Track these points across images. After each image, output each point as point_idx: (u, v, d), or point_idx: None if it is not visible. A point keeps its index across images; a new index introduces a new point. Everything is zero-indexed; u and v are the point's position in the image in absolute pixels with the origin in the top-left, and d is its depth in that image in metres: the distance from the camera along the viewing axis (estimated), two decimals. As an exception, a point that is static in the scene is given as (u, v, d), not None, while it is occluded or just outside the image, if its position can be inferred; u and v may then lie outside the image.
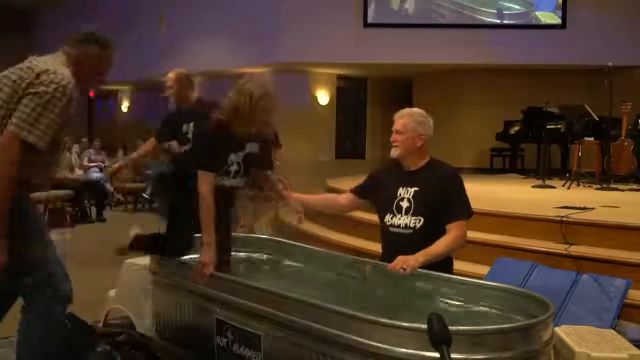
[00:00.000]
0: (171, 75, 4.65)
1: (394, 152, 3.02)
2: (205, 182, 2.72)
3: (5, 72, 2.37)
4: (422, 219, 2.90)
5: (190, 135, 4.29)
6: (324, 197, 3.25)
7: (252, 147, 2.88)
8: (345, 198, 3.35)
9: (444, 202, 2.89)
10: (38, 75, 2.28)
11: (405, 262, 2.67)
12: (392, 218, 3.00)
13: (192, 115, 4.38)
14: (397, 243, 2.92)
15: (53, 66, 2.34)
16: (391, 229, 2.99)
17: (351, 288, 2.84)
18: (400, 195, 2.99)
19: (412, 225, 2.92)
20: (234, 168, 2.85)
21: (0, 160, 2.20)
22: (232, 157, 2.83)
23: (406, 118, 3.01)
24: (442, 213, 2.90)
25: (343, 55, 10.41)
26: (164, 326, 2.96)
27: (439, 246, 2.81)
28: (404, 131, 2.98)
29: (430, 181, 2.95)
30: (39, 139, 2.23)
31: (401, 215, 2.96)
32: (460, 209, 2.93)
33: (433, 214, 2.89)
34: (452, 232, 2.86)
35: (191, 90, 4.63)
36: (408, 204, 2.95)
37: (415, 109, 3.10)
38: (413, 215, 2.93)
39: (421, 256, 2.74)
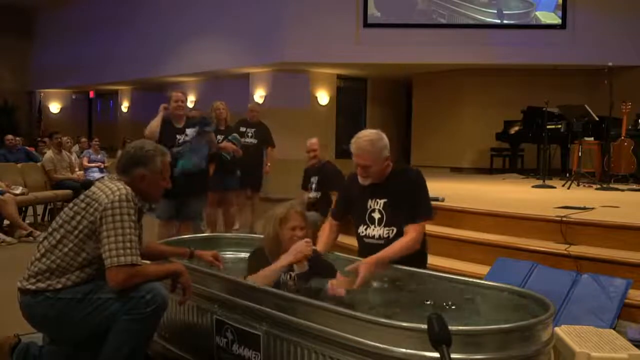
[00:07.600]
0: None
1: (365, 182, 3.01)
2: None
3: None
4: (394, 229, 2.95)
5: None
6: (330, 240, 3.25)
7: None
8: (335, 225, 3.28)
9: (409, 206, 2.92)
10: None
11: (364, 277, 2.66)
12: (365, 229, 3.04)
13: None
14: (372, 252, 2.89)
15: None
16: (365, 239, 3.04)
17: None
18: (370, 207, 3.02)
19: (385, 235, 2.97)
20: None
21: None
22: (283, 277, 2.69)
23: (368, 150, 2.93)
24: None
25: (343, 55, 10.41)
26: (163, 326, 2.95)
27: (394, 251, 2.82)
28: (371, 164, 2.95)
29: (398, 190, 2.97)
30: None
31: (374, 227, 3.01)
32: (420, 210, 2.95)
33: (405, 223, 2.92)
34: (408, 235, 2.89)
35: None
36: (380, 215, 2.99)
37: (369, 134, 2.98)
38: (385, 226, 2.98)
39: (379, 260, 2.74)
